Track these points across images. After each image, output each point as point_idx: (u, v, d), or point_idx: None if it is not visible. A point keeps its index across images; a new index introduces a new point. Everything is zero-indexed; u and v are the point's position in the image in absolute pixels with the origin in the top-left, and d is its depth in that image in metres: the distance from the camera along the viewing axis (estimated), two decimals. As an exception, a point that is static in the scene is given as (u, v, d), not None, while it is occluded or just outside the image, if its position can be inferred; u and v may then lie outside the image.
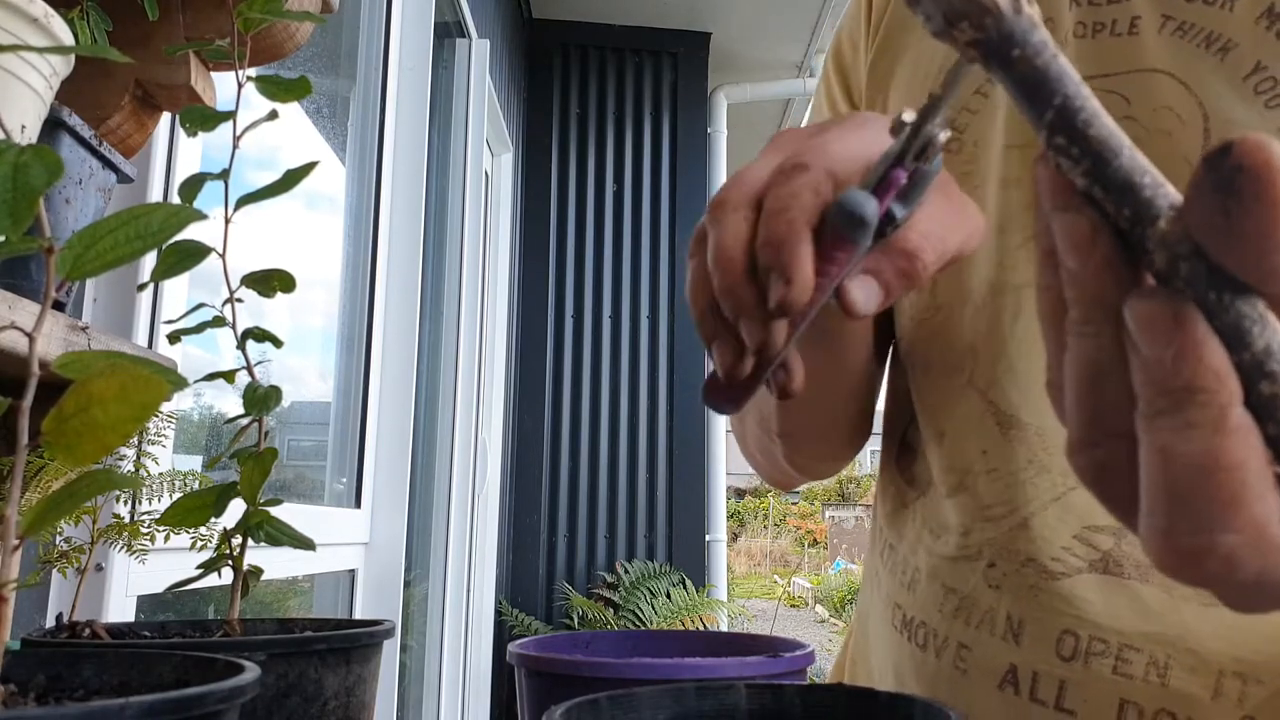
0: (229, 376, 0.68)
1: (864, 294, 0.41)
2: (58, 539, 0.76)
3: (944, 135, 0.39)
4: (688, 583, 4.06)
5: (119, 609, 1.05)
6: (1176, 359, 0.26)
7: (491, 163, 3.79)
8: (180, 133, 1.18)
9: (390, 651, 2.04)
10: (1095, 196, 0.28)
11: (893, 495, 0.71)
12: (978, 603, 0.60)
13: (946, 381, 0.65)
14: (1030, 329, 0.60)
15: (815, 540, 22.77)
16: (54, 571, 0.78)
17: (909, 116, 0.38)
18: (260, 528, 0.66)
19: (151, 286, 1.12)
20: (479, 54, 3.08)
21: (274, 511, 0.67)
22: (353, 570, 2.05)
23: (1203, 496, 0.26)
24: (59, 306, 0.71)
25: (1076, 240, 0.28)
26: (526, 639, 0.71)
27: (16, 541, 0.36)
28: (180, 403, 1.42)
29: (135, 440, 0.81)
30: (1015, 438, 0.60)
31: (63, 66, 0.63)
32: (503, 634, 3.74)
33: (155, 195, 1.16)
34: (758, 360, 0.46)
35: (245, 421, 0.66)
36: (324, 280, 2.16)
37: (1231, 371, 0.26)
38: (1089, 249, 0.28)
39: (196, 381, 0.62)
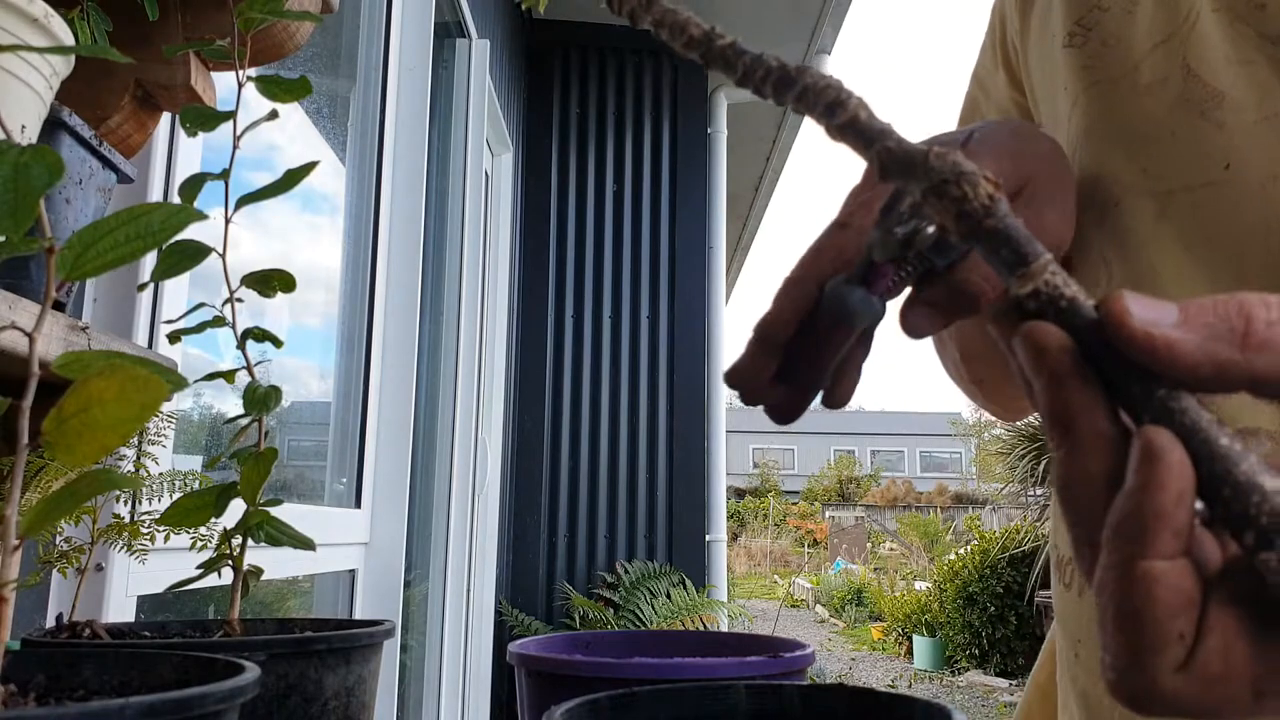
0: (229, 376, 0.68)
1: (921, 322, 0.46)
2: (58, 539, 0.76)
3: (931, 229, 0.43)
4: (688, 583, 4.06)
5: (119, 609, 1.05)
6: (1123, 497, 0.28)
7: (491, 163, 3.79)
8: (180, 133, 1.18)
9: (390, 651, 2.04)
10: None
11: None
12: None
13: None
14: (1172, 233, 0.56)
15: (815, 540, 22.78)
16: (54, 571, 0.78)
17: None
18: (260, 528, 0.66)
19: (151, 286, 1.12)
20: (479, 54, 3.08)
21: (274, 511, 0.67)
22: (353, 570, 2.05)
23: (1106, 636, 0.28)
24: (59, 306, 0.71)
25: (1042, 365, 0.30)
26: (526, 639, 0.71)
27: (16, 541, 0.36)
28: (180, 403, 1.42)
29: (135, 440, 0.81)
30: None
31: (63, 66, 0.63)
32: (503, 634, 3.74)
33: (155, 195, 1.16)
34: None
35: (245, 421, 0.66)
36: (324, 280, 2.16)
37: (1156, 523, 0.27)
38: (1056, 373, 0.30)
39: (196, 381, 0.62)
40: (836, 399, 0.49)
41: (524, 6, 0.52)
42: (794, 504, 27.46)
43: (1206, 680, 0.27)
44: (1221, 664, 0.27)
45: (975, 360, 0.72)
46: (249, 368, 0.68)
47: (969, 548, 9.14)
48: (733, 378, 0.48)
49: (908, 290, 0.47)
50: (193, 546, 0.72)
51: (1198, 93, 0.55)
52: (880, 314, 0.46)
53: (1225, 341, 0.28)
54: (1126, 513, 0.27)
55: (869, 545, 19.53)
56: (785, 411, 0.49)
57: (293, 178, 0.62)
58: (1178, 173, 0.56)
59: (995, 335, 0.33)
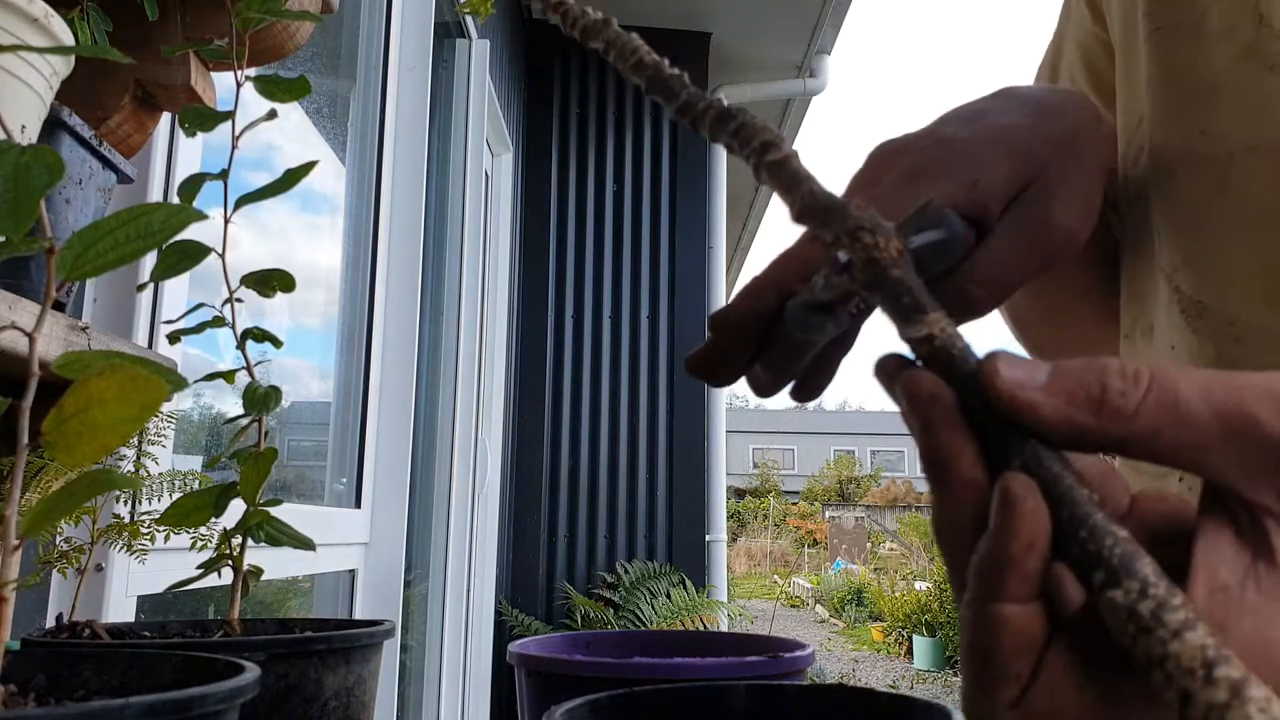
0: (229, 376, 0.68)
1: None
2: (58, 539, 0.76)
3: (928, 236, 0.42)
4: (688, 583, 4.06)
5: (119, 609, 1.05)
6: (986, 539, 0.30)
7: (491, 163, 3.79)
8: (180, 133, 1.18)
9: (390, 651, 2.04)
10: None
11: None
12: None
13: (1134, 263, 0.58)
14: (1229, 205, 0.52)
15: (815, 540, 22.78)
16: (54, 571, 0.78)
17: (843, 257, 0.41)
18: (260, 528, 0.66)
19: (151, 286, 1.12)
20: (479, 54, 3.08)
21: (274, 511, 0.67)
22: (353, 570, 2.05)
23: (962, 666, 0.31)
24: (59, 306, 0.71)
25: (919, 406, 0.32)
26: (527, 639, 0.71)
27: (16, 541, 0.36)
28: (180, 403, 1.42)
29: (135, 440, 0.81)
30: (1202, 329, 0.53)
31: (63, 66, 0.63)
32: (503, 634, 3.74)
33: (155, 195, 1.16)
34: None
35: (245, 421, 0.66)
36: (324, 280, 2.16)
37: (1007, 569, 0.29)
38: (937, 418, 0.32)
39: (196, 381, 0.62)
40: (805, 394, 0.48)
41: (464, 12, 0.52)
42: (794, 504, 27.46)
43: (1033, 716, 0.29)
44: (1047, 702, 0.29)
45: (1031, 327, 0.70)
46: (249, 368, 0.68)
47: (969, 548, 9.13)
48: (690, 363, 0.47)
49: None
50: (193, 546, 0.72)
51: (1269, 45, 0.51)
52: (844, 329, 0.45)
53: (1083, 408, 0.30)
54: (983, 556, 0.30)
55: (869, 545, 19.53)
56: (758, 386, 0.48)
57: (292, 177, 0.62)
58: (1239, 134, 0.51)
59: (879, 381, 0.34)
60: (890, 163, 0.48)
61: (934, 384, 0.31)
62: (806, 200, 0.33)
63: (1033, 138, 0.48)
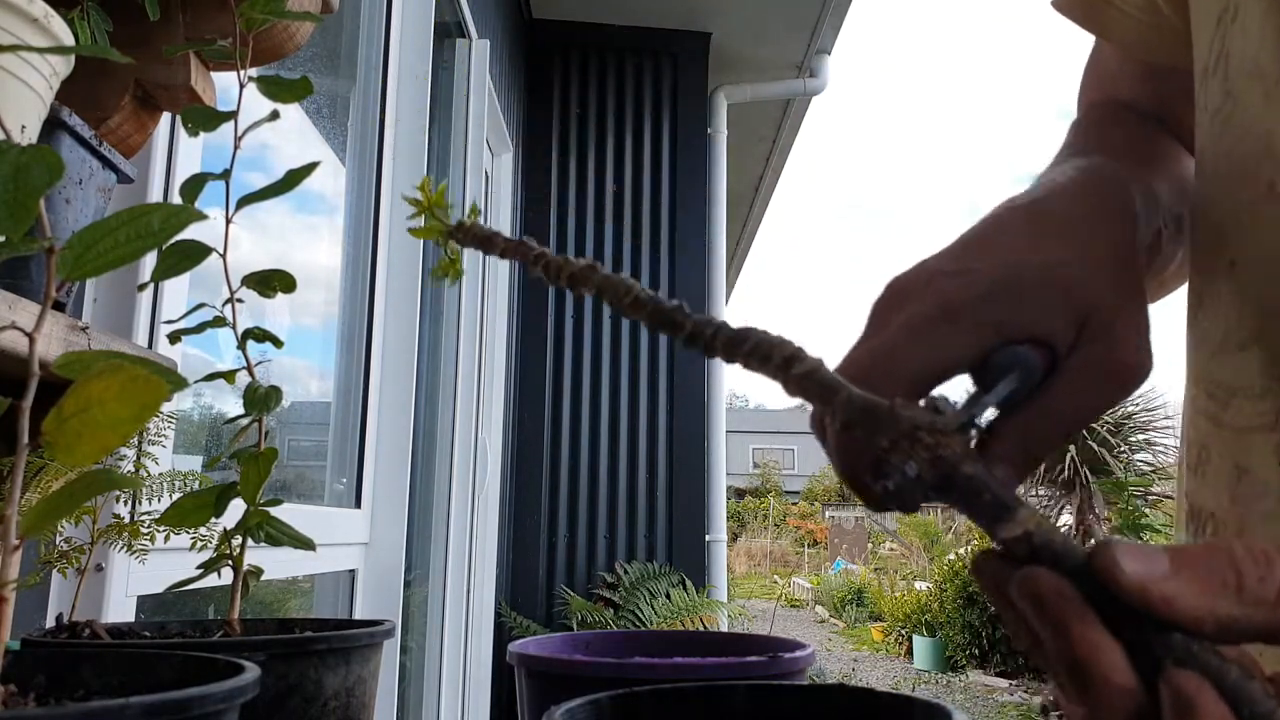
0: (229, 376, 0.68)
1: (1011, 475, 0.42)
2: (58, 539, 0.76)
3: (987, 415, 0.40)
4: (687, 583, 4.06)
5: (119, 609, 1.05)
6: None
7: (491, 163, 3.79)
8: (180, 133, 1.18)
9: (390, 652, 2.04)
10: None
11: (1188, 356, 0.59)
12: (1271, 486, 0.49)
13: (1238, 192, 0.52)
14: None
15: (815, 540, 22.77)
16: (54, 571, 0.78)
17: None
18: (260, 528, 0.66)
19: (151, 286, 1.12)
20: (479, 54, 3.08)
21: (274, 511, 0.67)
22: (353, 570, 2.04)
23: None
24: (59, 306, 0.71)
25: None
26: (526, 639, 0.71)
27: (16, 541, 0.36)
28: (180, 403, 1.42)
29: (135, 440, 0.81)
30: None
31: (63, 66, 0.63)
32: (503, 634, 3.74)
33: (155, 195, 1.16)
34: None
35: (245, 421, 0.66)
36: (324, 280, 2.16)
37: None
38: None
39: (196, 381, 0.62)
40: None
41: (437, 277, 0.51)
42: (794, 504, 27.44)
43: None
44: None
45: None
46: (249, 368, 0.67)
47: (969, 547, 9.14)
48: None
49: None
50: (193, 546, 0.72)
51: None
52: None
53: (1224, 597, 0.28)
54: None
55: (869, 545, 19.52)
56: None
57: (293, 178, 0.62)
58: None
59: (980, 585, 0.33)
60: (914, 296, 0.45)
61: (1057, 582, 0.29)
62: (849, 409, 0.32)
63: (1074, 273, 0.44)
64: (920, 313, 0.43)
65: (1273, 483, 0.49)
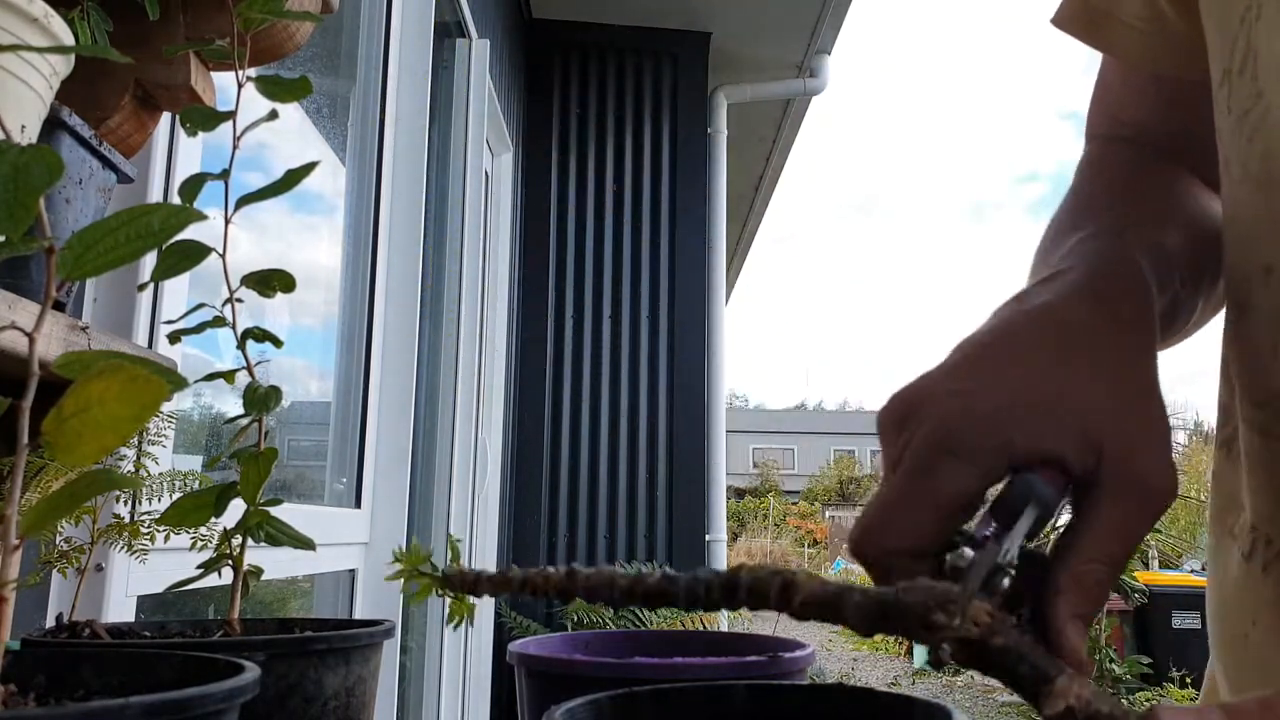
0: (229, 376, 0.68)
1: (1080, 642, 0.41)
2: (58, 539, 0.76)
3: (1008, 559, 0.40)
4: (688, 583, 4.05)
5: (119, 609, 1.05)
6: None
7: (491, 163, 3.79)
8: (180, 133, 1.18)
9: (390, 651, 2.04)
10: None
11: (1227, 367, 0.57)
12: None
13: (1273, 196, 0.50)
14: None
15: (815, 540, 22.77)
16: (54, 571, 0.78)
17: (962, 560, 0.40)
18: (260, 528, 0.66)
19: (151, 286, 1.12)
20: (479, 54, 3.08)
21: (274, 511, 0.67)
22: (353, 570, 2.04)
23: None
24: (59, 306, 0.71)
25: None
26: (526, 639, 0.71)
27: (16, 541, 0.36)
28: (180, 403, 1.42)
29: (135, 440, 0.81)
30: None
31: (63, 66, 0.63)
32: (502, 634, 3.74)
33: (155, 195, 1.16)
34: None
35: (245, 421, 0.66)
36: (324, 280, 2.16)
37: None
38: None
39: (196, 381, 0.62)
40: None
41: (453, 624, 0.52)
42: (794, 504, 27.44)
43: None
44: None
45: None
46: (249, 368, 0.67)
47: (969, 548, 9.12)
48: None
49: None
50: (193, 546, 0.72)
51: None
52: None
53: None
54: None
55: (869, 545, 19.50)
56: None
57: (293, 178, 0.62)
58: None
59: None
60: (914, 418, 0.44)
61: None
62: (858, 613, 0.33)
63: (1089, 396, 0.43)
64: (923, 446, 0.43)
65: None
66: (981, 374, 0.44)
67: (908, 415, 0.44)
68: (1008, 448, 0.42)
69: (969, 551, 0.40)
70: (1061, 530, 0.44)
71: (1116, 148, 0.70)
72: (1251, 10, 0.51)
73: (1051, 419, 0.42)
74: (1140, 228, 0.55)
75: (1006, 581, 0.40)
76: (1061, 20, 0.70)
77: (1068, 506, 0.46)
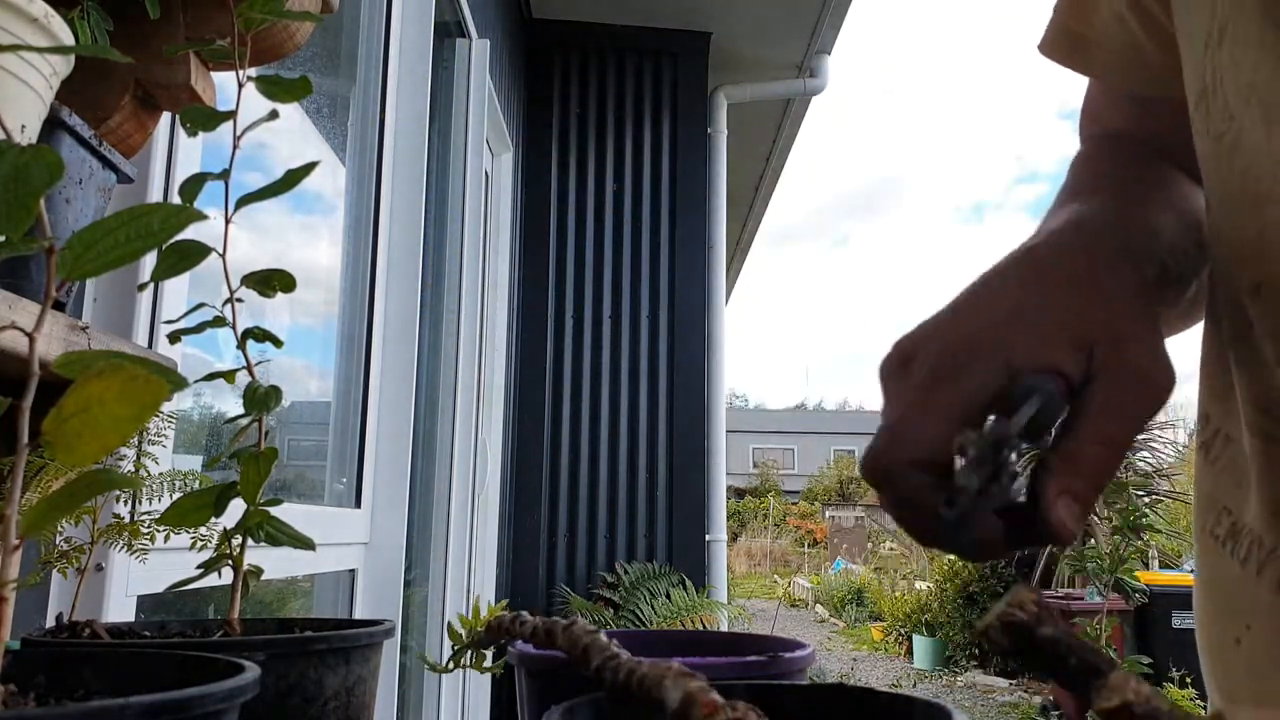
0: (229, 376, 0.68)
1: (1070, 517, 0.43)
2: (58, 539, 0.76)
3: (1016, 461, 0.42)
4: (688, 583, 4.06)
5: (119, 609, 1.05)
6: None
7: (491, 163, 3.79)
8: (180, 133, 1.18)
9: (390, 651, 2.04)
10: None
11: (1215, 369, 0.59)
12: None
13: (1255, 214, 0.51)
14: None
15: (815, 540, 22.77)
16: (54, 571, 0.78)
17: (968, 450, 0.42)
18: (260, 528, 0.66)
19: (151, 286, 1.12)
20: (479, 54, 3.08)
21: (274, 511, 0.67)
22: (353, 570, 2.05)
23: None
24: (59, 306, 0.71)
25: None
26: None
27: (16, 541, 0.36)
28: (180, 403, 1.42)
29: (135, 440, 0.81)
30: None
31: (63, 66, 0.63)
32: (503, 634, 3.74)
33: (155, 195, 1.16)
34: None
35: (245, 421, 0.66)
36: (324, 280, 2.16)
37: None
38: None
39: (196, 381, 0.62)
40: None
41: None
42: (794, 504, 27.45)
43: None
44: None
45: None
46: (249, 368, 0.67)
47: (969, 548, 9.12)
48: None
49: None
50: (193, 546, 0.72)
51: None
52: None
53: None
54: None
55: (869, 545, 19.52)
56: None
57: (293, 178, 0.62)
58: None
59: None
60: (919, 351, 0.47)
61: None
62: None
63: (1069, 306, 0.46)
64: (930, 365, 0.46)
65: None
66: (975, 311, 0.48)
67: (910, 356, 0.47)
68: (1008, 363, 0.44)
69: (978, 439, 0.42)
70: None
71: (1107, 143, 0.73)
72: (1213, 36, 0.53)
73: (1043, 332, 0.45)
74: (1127, 209, 0.57)
75: (1014, 456, 0.41)
76: (1045, 46, 0.73)
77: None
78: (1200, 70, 0.55)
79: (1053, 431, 0.45)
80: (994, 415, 0.44)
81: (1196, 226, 0.61)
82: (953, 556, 9.89)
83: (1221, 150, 0.54)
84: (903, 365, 0.47)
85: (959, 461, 0.43)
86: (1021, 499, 0.44)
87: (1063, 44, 0.71)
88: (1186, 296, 0.63)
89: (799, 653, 0.66)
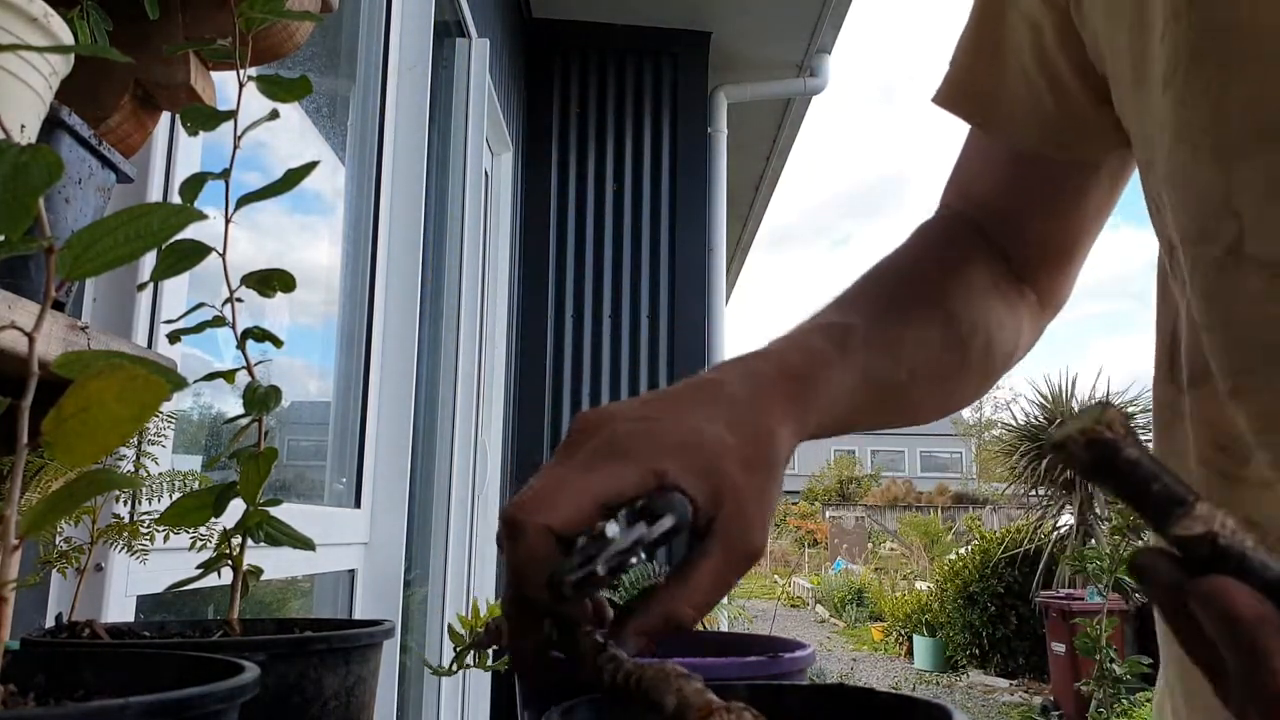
0: (229, 376, 0.68)
1: (631, 648, 0.47)
2: (57, 539, 0.76)
3: (635, 557, 0.45)
4: (688, 583, 4.05)
5: (119, 609, 1.04)
6: None
7: (491, 162, 3.79)
8: (180, 133, 1.18)
9: (390, 651, 2.04)
10: None
11: (1165, 405, 0.61)
12: None
13: (1204, 250, 0.53)
14: None
15: (815, 540, 22.77)
16: (54, 571, 0.78)
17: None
18: (260, 528, 0.66)
19: (151, 286, 1.12)
20: (479, 54, 3.08)
21: (274, 511, 0.67)
22: (353, 570, 2.04)
23: None
24: (59, 306, 0.71)
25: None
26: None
27: (16, 541, 0.36)
28: (180, 403, 1.42)
29: (135, 440, 0.81)
30: None
31: (62, 66, 0.63)
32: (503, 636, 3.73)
33: (155, 195, 1.16)
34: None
35: (245, 421, 0.66)
36: (323, 280, 2.16)
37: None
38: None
39: (196, 381, 0.62)
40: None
41: None
42: (794, 504, 27.44)
43: None
44: None
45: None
46: (249, 368, 0.67)
47: (970, 548, 9.13)
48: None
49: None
50: (192, 546, 0.72)
51: None
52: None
53: None
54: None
55: (869, 545, 19.52)
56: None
57: (293, 177, 0.62)
58: None
59: (1140, 584, 0.31)
60: (595, 433, 0.52)
61: (1258, 606, 0.27)
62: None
63: (718, 443, 0.51)
64: (597, 449, 0.50)
65: None
66: (654, 411, 0.53)
67: (590, 431, 0.52)
68: (661, 472, 0.49)
69: (612, 528, 0.46)
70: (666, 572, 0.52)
71: (945, 226, 0.77)
72: (1159, 85, 0.55)
73: (692, 458, 0.50)
74: (872, 330, 0.64)
75: (634, 562, 0.45)
76: (942, 99, 0.75)
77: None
78: (1152, 109, 0.57)
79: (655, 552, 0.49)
80: (626, 513, 0.48)
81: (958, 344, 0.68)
82: (952, 558, 9.80)
83: (1176, 193, 0.56)
84: (585, 432, 0.52)
85: (580, 541, 0.46)
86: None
87: (962, 98, 0.74)
88: (954, 379, 0.70)
89: (799, 653, 0.66)
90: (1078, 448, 0.29)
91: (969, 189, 0.78)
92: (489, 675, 3.51)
